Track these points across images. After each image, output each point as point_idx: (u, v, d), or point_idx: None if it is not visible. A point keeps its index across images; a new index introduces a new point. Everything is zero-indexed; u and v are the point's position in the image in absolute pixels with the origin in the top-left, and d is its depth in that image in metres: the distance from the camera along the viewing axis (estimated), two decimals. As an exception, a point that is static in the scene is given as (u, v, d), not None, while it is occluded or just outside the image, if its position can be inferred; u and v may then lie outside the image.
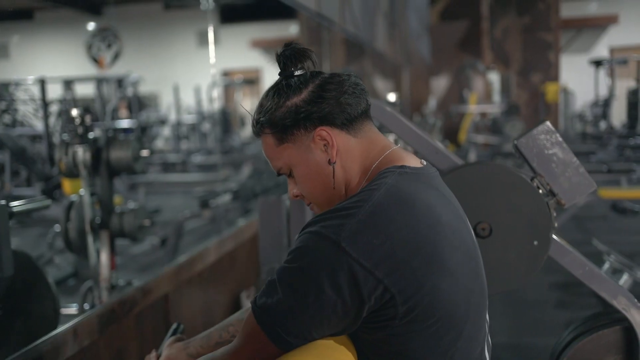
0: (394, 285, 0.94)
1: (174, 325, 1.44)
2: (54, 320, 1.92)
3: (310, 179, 1.10)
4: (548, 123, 1.69)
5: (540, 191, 1.66)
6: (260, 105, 1.11)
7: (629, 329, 1.68)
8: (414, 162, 1.09)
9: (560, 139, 1.68)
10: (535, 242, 1.65)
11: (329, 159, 1.08)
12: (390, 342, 0.99)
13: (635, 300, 1.67)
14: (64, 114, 5.64)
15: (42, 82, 5.09)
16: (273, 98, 1.09)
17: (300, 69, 1.09)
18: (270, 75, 12.76)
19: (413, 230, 0.96)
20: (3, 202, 1.61)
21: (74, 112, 2.55)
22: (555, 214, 1.69)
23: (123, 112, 9.07)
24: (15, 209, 1.70)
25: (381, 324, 0.98)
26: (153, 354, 1.28)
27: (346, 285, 0.93)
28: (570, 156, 1.67)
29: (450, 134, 9.51)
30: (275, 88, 1.10)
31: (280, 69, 1.11)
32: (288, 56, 1.09)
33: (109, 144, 2.58)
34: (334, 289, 0.93)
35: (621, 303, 1.67)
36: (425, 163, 1.11)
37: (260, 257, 2.23)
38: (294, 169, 1.11)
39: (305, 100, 1.07)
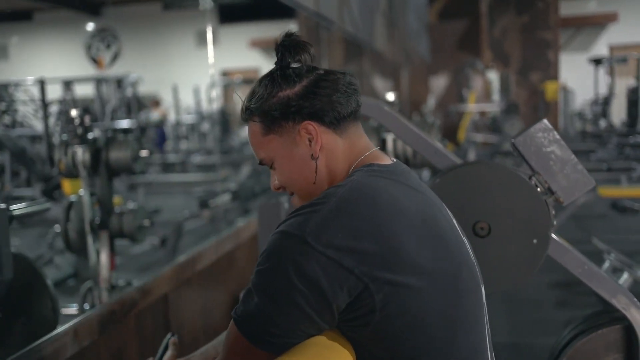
0: (365, 275, 0.94)
1: (168, 336, 1.43)
2: (53, 322, 1.92)
3: (292, 172, 1.10)
4: (545, 121, 1.69)
5: (539, 189, 1.65)
6: (252, 92, 1.11)
7: (628, 328, 1.68)
8: (385, 161, 1.10)
9: (557, 136, 1.68)
10: (535, 241, 1.65)
11: (312, 154, 1.08)
12: (380, 341, 0.98)
13: (635, 299, 1.67)
14: (64, 114, 5.64)
15: (42, 83, 5.09)
16: (266, 87, 1.08)
17: (297, 61, 1.09)
18: (270, 75, 12.74)
19: (376, 222, 0.96)
20: (3, 205, 1.61)
21: (74, 112, 2.55)
22: (554, 212, 1.69)
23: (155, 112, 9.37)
24: (15, 213, 1.70)
25: (363, 319, 0.97)
26: None
27: (316, 278, 0.93)
28: (569, 154, 1.67)
29: (450, 133, 9.50)
30: (270, 77, 1.09)
31: (277, 58, 1.10)
32: (287, 46, 1.09)
33: (109, 145, 2.58)
34: (304, 283, 0.93)
35: (621, 302, 1.66)
36: (395, 161, 1.12)
37: None
38: (277, 161, 1.11)
39: (298, 94, 1.06)
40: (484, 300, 1.12)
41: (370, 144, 1.13)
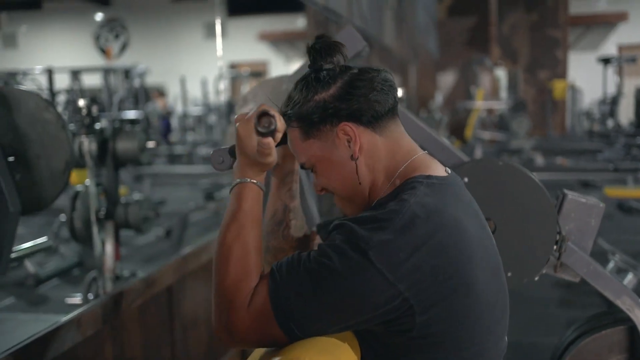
0: (413, 297, 0.94)
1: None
2: (69, 163, 1.86)
3: (334, 174, 1.10)
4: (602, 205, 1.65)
5: (555, 247, 1.65)
6: (289, 98, 1.10)
7: (632, 329, 1.68)
8: (439, 170, 1.08)
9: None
10: (540, 241, 1.64)
11: (352, 155, 1.07)
12: (411, 348, 0.99)
13: (640, 300, 1.66)
14: (71, 104, 5.65)
15: (50, 72, 5.10)
16: (301, 91, 1.08)
17: (329, 62, 1.08)
18: (277, 68, 12.77)
19: (439, 246, 0.96)
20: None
21: (81, 102, 2.56)
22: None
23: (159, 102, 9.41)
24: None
25: (398, 331, 0.98)
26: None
27: (367, 294, 0.93)
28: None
29: (457, 130, 9.48)
30: (304, 81, 1.09)
31: (310, 61, 1.09)
32: (318, 49, 1.08)
33: (116, 135, 2.58)
34: (353, 295, 0.94)
35: (625, 303, 1.66)
36: (450, 172, 1.10)
37: None
38: (319, 164, 1.10)
39: (334, 96, 1.05)
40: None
41: (414, 145, 1.12)
